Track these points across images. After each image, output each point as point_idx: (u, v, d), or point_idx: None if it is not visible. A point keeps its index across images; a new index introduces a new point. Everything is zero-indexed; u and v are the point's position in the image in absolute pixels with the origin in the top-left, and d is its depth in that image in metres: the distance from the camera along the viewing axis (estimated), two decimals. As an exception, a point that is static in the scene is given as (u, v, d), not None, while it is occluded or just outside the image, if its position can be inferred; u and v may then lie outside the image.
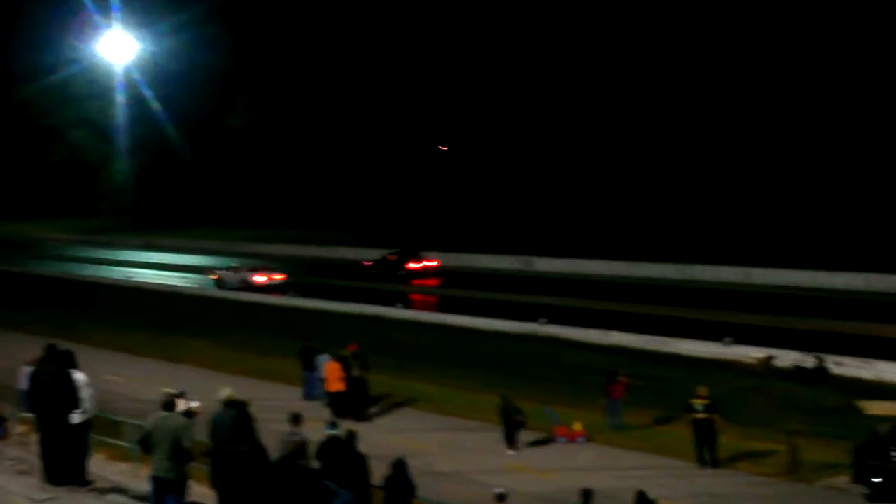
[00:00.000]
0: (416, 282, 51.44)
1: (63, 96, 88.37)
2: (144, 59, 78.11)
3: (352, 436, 14.57)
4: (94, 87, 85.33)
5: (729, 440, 19.25)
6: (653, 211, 65.32)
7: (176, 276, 55.27)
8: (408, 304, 38.98)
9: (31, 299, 45.99)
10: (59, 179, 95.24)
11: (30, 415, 20.81)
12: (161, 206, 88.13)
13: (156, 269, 59.29)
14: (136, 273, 56.47)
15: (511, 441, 19.88)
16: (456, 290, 46.22)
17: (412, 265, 52.69)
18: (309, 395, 24.25)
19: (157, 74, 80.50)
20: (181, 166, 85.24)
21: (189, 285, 51.51)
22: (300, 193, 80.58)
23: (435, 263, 53.51)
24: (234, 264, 54.13)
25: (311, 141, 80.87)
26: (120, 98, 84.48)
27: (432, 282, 51.89)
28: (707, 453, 18.68)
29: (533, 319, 33.83)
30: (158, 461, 12.23)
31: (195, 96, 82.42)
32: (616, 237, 58.09)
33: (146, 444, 12.41)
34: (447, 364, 29.02)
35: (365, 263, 53.51)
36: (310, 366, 24.51)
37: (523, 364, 28.71)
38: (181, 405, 18.78)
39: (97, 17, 73.71)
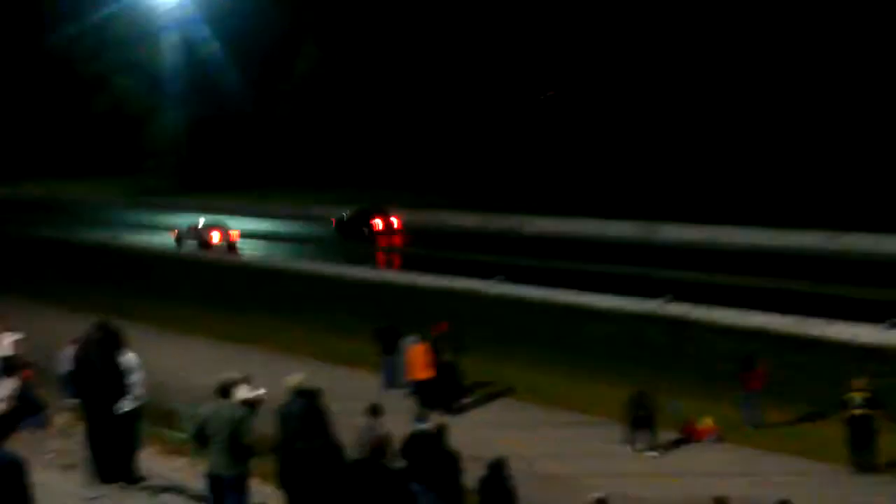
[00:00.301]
0: (384, 241, 56.43)
1: (105, 38, 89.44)
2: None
3: (441, 430, 14.62)
4: (141, 26, 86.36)
5: (891, 442, 18.80)
6: (804, 168, 63.70)
7: (238, 244, 55.83)
8: (508, 278, 38.69)
9: (75, 270, 47.16)
10: (101, 133, 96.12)
11: (74, 401, 21.51)
12: (216, 163, 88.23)
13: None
14: (192, 242, 57.21)
15: (636, 440, 19.84)
16: (565, 262, 45.80)
17: (377, 223, 57.71)
18: (390, 383, 24.51)
19: (214, 10, 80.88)
20: (240, 118, 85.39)
21: (254, 254, 52.10)
22: (379, 149, 79.74)
23: (397, 222, 58.89)
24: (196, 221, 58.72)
25: (393, 88, 79.71)
26: (171, 38, 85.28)
27: (397, 240, 57.45)
28: (864, 456, 18.36)
29: (655, 296, 33.43)
30: (215, 456, 12.17)
31: (257, 36, 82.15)
32: (759, 200, 56.89)
33: (200, 437, 12.32)
34: (554, 348, 28.99)
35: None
36: (391, 349, 24.74)
37: (643, 349, 28.57)
38: (244, 392, 19.21)
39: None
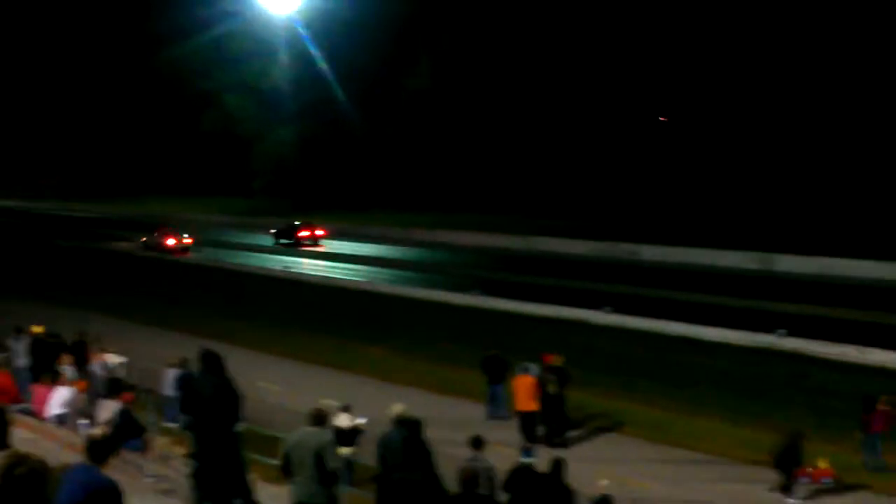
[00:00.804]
0: (306, 247, 66.98)
1: (216, 57, 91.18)
2: (311, 11, 79.93)
3: (559, 465, 14.46)
4: (252, 44, 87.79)
5: None
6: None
7: (342, 268, 56.28)
8: (619, 308, 38.34)
9: (176, 290, 47.89)
10: (209, 152, 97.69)
11: (173, 425, 21.74)
12: (326, 184, 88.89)
13: (319, 258, 60.54)
14: (295, 264, 57.79)
15: (791, 489, 19.21)
16: (678, 292, 45.27)
17: (303, 233, 69.27)
18: (494, 414, 24.38)
19: (325, 28, 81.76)
20: (350, 137, 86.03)
21: (357, 279, 52.39)
22: (491, 172, 79.59)
23: (323, 232, 70.17)
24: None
25: (506, 110, 79.55)
26: (282, 57, 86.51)
27: (321, 248, 67.35)
28: None
29: (770, 330, 32.91)
30: (301, 485, 12.09)
31: (369, 55, 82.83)
32: (882, 232, 55.68)
33: (286, 465, 12.28)
34: (664, 381, 28.58)
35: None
36: (497, 379, 24.62)
37: (757, 384, 28.02)
38: (344, 420, 19.26)
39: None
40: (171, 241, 65.69)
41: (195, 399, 14.03)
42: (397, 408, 13.62)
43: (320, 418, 12.33)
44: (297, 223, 70.66)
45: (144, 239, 67.56)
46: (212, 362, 14.06)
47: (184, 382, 14.75)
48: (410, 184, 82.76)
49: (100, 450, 7.51)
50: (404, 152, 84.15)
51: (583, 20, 74.61)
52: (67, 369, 21.18)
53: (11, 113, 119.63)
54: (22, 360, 24.86)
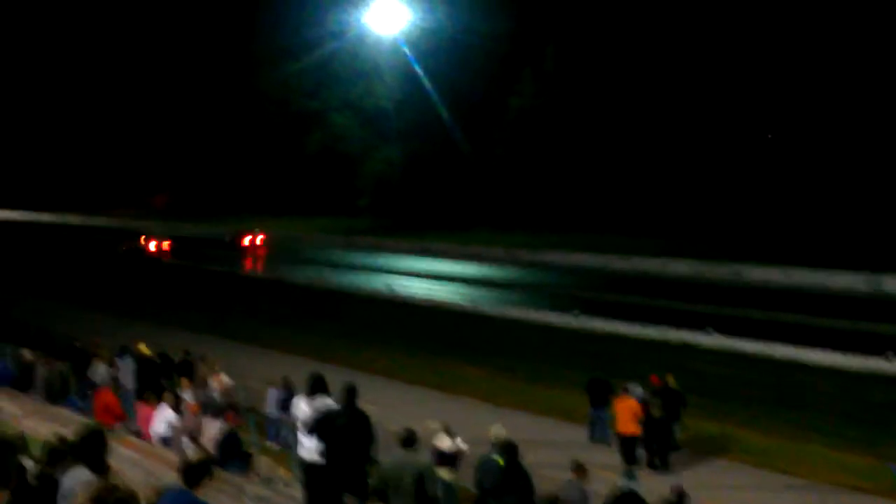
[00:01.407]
0: (249, 251, 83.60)
1: (322, 77, 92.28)
2: (415, 31, 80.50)
3: (682, 497, 14.29)
4: (358, 64, 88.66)
5: None
6: None
7: (444, 288, 56.41)
8: (721, 329, 37.89)
9: (279, 309, 48.43)
10: (314, 172, 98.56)
11: (276, 445, 21.97)
12: (432, 202, 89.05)
13: (422, 278, 60.81)
14: (398, 282, 58.12)
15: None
16: (785, 313, 44.61)
17: (246, 240, 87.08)
18: (596, 437, 24.22)
19: (430, 48, 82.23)
20: (454, 156, 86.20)
21: (459, 299, 52.46)
22: (594, 191, 79.06)
23: (261, 239, 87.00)
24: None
25: (608, 128, 78.97)
26: (387, 76, 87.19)
27: (260, 251, 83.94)
28: None
29: (880, 353, 32.25)
30: None
31: (473, 74, 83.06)
32: None
33: (382, 491, 11.98)
34: (769, 405, 28.19)
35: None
36: (599, 401, 24.46)
37: (864, 409, 27.51)
38: (444, 443, 19.25)
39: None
40: (151, 245, 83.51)
41: (330, 430, 14.00)
42: (496, 429, 13.57)
43: (411, 440, 12.19)
44: (241, 231, 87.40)
45: (125, 247, 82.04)
46: (319, 387, 14.07)
47: (322, 417, 14.27)
48: (514, 203, 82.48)
49: (194, 473, 7.61)
50: (508, 171, 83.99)
51: (685, 34, 73.81)
52: (186, 393, 21.43)
53: (123, 132, 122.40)
54: (128, 380, 25.33)
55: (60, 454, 7.97)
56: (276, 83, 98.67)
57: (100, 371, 24.62)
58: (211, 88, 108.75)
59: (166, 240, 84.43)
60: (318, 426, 14.11)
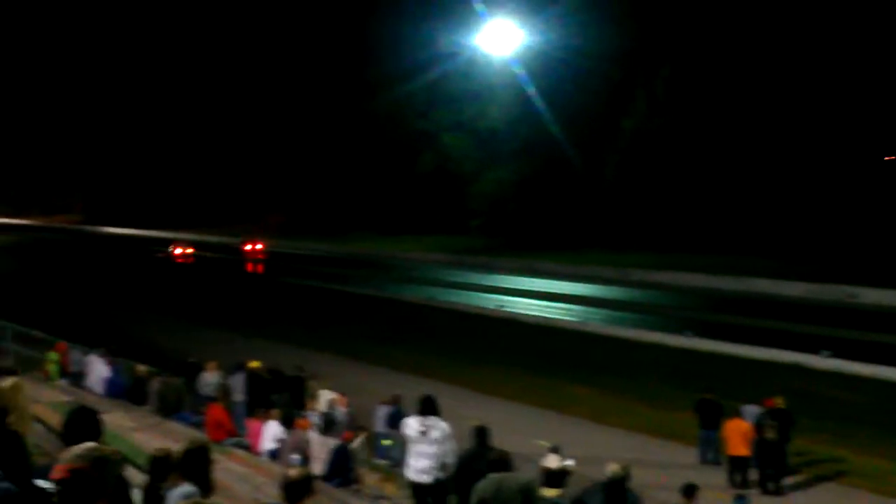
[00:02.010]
0: (252, 257, 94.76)
1: (434, 98, 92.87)
2: (528, 51, 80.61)
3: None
4: (470, 85, 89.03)
5: None
6: None
7: (556, 307, 56.16)
8: (836, 352, 37.08)
9: (388, 327, 48.71)
10: (425, 192, 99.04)
11: (384, 462, 22.01)
12: (543, 222, 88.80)
13: (533, 297, 60.52)
14: (509, 302, 58.00)
15: None
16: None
17: (247, 247, 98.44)
18: (706, 458, 23.85)
19: (543, 68, 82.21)
20: (567, 177, 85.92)
21: (570, 318, 52.14)
22: (708, 212, 77.95)
23: (261, 247, 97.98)
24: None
25: (722, 149, 77.77)
26: (499, 97, 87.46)
27: (260, 256, 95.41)
28: None
29: None
30: None
31: (586, 94, 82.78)
32: None
33: None
34: (888, 429, 27.43)
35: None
36: (710, 423, 24.08)
37: None
38: (553, 461, 19.08)
39: (476, 6, 77.18)
40: (178, 251, 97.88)
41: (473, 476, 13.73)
42: (613, 468, 13.31)
43: (503, 462, 11.76)
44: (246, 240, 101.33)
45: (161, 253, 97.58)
46: (480, 435, 13.96)
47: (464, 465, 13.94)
48: (625, 223, 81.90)
49: (295, 490, 7.60)
50: (619, 192, 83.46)
51: (802, 54, 72.56)
52: (313, 415, 21.55)
53: (242, 152, 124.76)
54: (239, 395, 25.64)
55: (165, 468, 8.06)
56: (389, 104, 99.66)
57: (208, 383, 25.00)
58: (325, 110, 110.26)
59: (190, 247, 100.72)
60: (462, 474, 13.95)
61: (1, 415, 6.74)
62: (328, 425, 20.69)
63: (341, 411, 23.63)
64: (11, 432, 6.50)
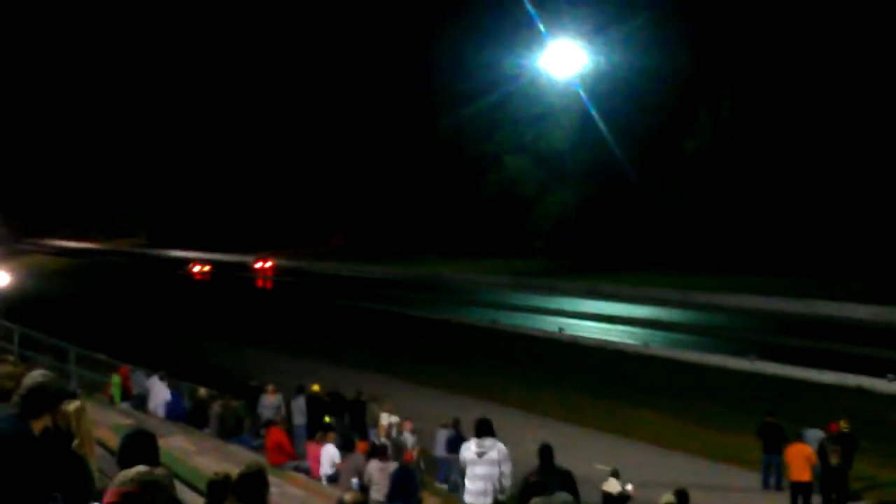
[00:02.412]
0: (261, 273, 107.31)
1: (496, 120, 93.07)
2: (591, 73, 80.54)
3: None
4: (532, 107, 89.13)
5: None
6: None
7: (617, 330, 55.90)
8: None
9: (448, 350, 48.76)
10: (487, 214, 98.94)
11: (443, 486, 22.07)
12: (605, 244, 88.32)
13: (595, 320, 60.22)
14: (570, 324, 57.75)
15: None
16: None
17: (257, 265, 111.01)
18: (769, 484, 23.64)
19: (605, 90, 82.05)
20: (630, 198, 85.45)
21: (632, 341, 51.87)
22: (772, 233, 76.98)
23: (270, 264, 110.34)
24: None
25: (790, 168, 76.68)
26: (562, 119, 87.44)
27: (269, 272, 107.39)
28: None
29: None
30: None
31: (649, 116, 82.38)
32: None
33: None
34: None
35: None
36: (773, 447, 23.87)
37: None
38: (614, 485, 19.07)
39: (538, 29, 77.32)
40: (196, 269, 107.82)
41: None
42: (667, 499, 13.27)
43: (568, 482, 11.76)
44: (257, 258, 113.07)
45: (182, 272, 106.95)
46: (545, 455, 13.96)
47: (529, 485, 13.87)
48: (689, 245, 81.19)
49: (349, 514, 7.61)
50: (683, 213, 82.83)
51: (873, 71, 71.50)
52: (385, 440, 21.62)
53: (301, 177, 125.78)
54: (300, 418, 25.81)
55: (222, 492, 8.18)
56: (452, 127, 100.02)
57: (269, 406, 25.19)
58: (389, 132, 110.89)
59: (207, 265, 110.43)
60: (527, 495, 13.88)
61: (65, 439, 6.85)
62: (388, 448, 20.70)
63: (408, 436, 23.72)
64: (75, 456, 6.60)
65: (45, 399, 6.41)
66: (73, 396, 6.96)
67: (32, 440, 6.20)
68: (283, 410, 25.42)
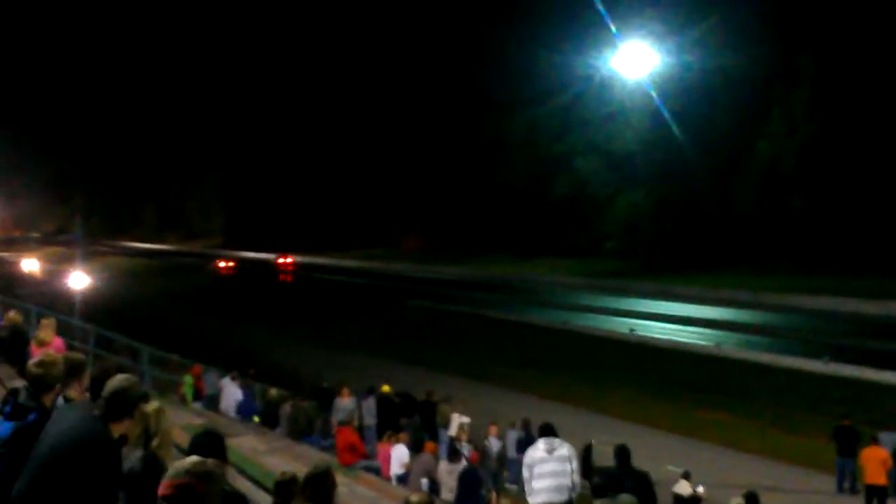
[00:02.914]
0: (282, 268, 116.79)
1: (567, 121, 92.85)
2: (664, 73, 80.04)
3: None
4: (604, 107, 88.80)
5: None
6: None
7: (689, 331, 55.47)
8: None
9: (521, 351, 48.68)
10: (559, 215, 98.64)
11: (513, 487, 22.06)
12: (677, 245, 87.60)
13: (666, 321, 59.80)
14: (642, 325, 57.45)
15: None
16: None
17: (280, 260, 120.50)
18: (843, 488, 23.33)
19: (678, 90, 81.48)
20: (702, 198, 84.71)
21: (704, 343, 51.44)
22: (847, 233, 75.82)
23: (290, 261, 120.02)
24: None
25: (866, 169, 75.35)
26: (634, 119, 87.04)
27: (290, 268, 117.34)
28: None
29: None
30: None
31: (721, 116, 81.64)
32: None
33: None
34: None
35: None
36: (847, 450, 23.56)
37: None
38: (684, 487, 18.94)
39: (609, 29, 77.00)
40: (221, 265, 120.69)
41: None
42: (736, 501, 13.13)
43: (644, 483, 11.79)
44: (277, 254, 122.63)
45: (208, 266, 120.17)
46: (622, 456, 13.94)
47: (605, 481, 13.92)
48: (761, 245, 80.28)
49: (415, 514, 7.61)
50: (756, 214, 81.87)
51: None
52: (465, 446, 21.64)
53: (376, 178, 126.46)
54: (370, 419, 25.90)
55: (290, 492, 8.25)
56: (524, 127, 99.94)
57: (343, 409, 25.30)
58: (460, 134, 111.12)
59: (231, 261, 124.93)
60: (601, 490, 13.84)
61: (144, 439, 6.90)
62: (458, 449, 20.68)
63: (493, 440, 23.75)
64: (154, 458, 6.69)
65: (127, 403, 6.54)
66: (144, 399, 7.04)
67: (111, 443, 6.32)
68: (357, 413, 25.46)
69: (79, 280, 57.03)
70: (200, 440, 6.65)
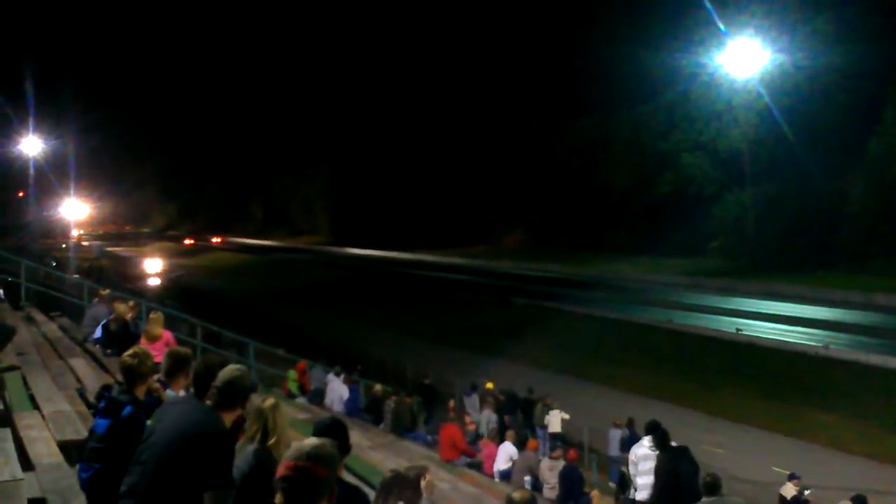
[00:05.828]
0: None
1: (673, 118, 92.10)
2: (773, 71, 79.05)
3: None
4: (711, 105, 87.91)
5: None
6: None
7: (796, 332, 54.59)
8: None
9: (623, 349, 48.41)
10: (663, 213, 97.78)
11: (612, 484, 21.99)
12: (785, 244, 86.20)
13: (773, 321, 58.84)
14: (748, 325, 56.64)
15: None
16: None
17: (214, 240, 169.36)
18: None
19: (787, 88, 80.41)
20: (811, 197, 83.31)
21: (812, 343, 50.56)
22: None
23: (219, 240, 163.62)
24: None
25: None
26: (742, 117, 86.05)
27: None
28: None
29: None
30: None
31: (831, 114, 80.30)
32: None
33: None
34: None
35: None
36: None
37: None
38: (790, 489, 18.70)
39: (717, 27, 76.29)
40: (215, 240, 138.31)
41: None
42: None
43: (714, 486, 11.48)
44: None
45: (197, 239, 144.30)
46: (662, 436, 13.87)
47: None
48: (873, 246, 78.61)
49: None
50: (867, 214, 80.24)
51: None
52: (560, 445, 21.66)
53: (480, 176, 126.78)
54: (474, 415, 26.00)
55: (390, 489, 8.36)
56: (629, 125, 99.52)
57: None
58: (564, 131, 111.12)
59: (218, 236, 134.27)
60: (671, 494, 13.73)
61: (261, 435, 6.97)
62: (560, 446, 20.69)
63: (571, 432, 23.74)
64: (265, 454, 6.78)
65: (239, 393, 6.68)
66: (254, 390, 7.13)
67: (226, 432, 6.46)
68: (491, 423, 25.15)
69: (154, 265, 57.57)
70: (324, 428, 6.69)
